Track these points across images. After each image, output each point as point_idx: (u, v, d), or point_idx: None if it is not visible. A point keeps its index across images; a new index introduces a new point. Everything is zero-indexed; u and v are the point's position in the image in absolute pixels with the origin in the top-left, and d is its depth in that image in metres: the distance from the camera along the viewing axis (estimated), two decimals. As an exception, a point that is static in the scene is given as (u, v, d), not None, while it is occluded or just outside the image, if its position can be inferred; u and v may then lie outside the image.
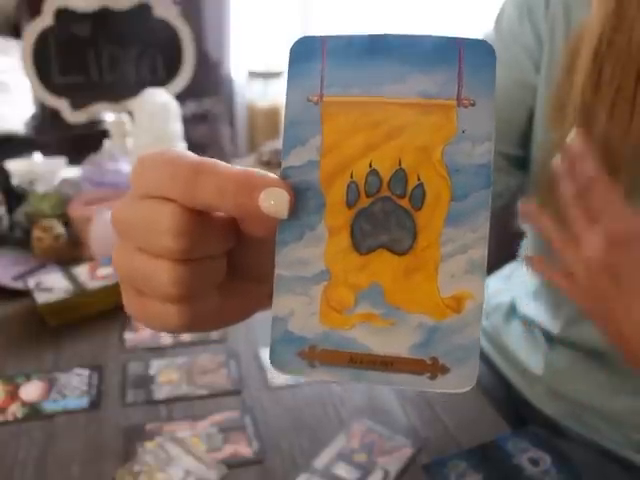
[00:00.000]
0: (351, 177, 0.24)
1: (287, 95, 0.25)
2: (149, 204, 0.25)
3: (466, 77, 0.24)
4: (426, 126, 0.24)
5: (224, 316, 0.30)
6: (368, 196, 0.24)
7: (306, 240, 0.25)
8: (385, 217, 0.24)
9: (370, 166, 0.24)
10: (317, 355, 0.25)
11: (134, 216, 0.25)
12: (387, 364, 0.24)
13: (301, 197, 0.24)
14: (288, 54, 0.25)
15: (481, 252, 0.24)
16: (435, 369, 0.24)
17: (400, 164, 0.24)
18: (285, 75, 0.25)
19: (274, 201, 0.23)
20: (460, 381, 0.24)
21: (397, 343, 0.24)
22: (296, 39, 0.25)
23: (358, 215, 0.24)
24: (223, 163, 0.24)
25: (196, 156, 0.25)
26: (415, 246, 0.24)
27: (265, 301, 0.32)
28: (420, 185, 0.24)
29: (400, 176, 0.24)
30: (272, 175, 0.24)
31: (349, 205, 0.24)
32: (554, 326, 0.66)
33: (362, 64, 0.24)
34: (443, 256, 0.24)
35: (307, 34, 0.25)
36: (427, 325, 0.24)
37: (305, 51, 0.25)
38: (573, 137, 0.45)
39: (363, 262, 0.24)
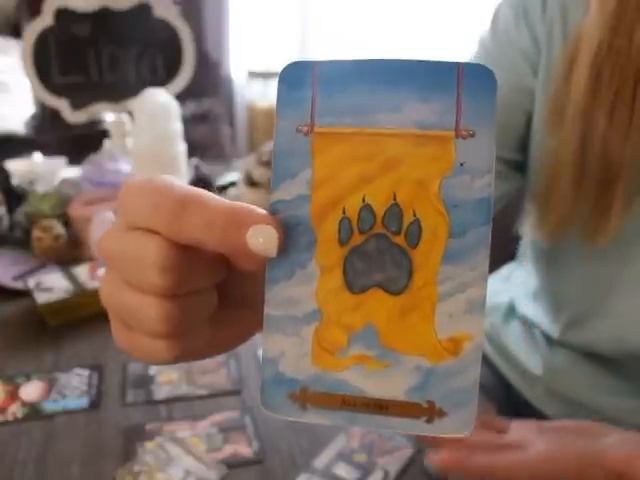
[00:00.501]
0: (343, 212, 0.23)
1: (276, 124, 0.24)
2: (134, 236, 0.24)
3: (465, 105, 0.22)
4: (422, 158, 0.23)
5: (217, 345, 0.29)
6: (361, 233, 0.23)
7: (297, 278, 0.24)
8: (379, 255, 0.23)
9: (363, 201, 0.23)
10: (309, 397, 0.24)
11: (120, 248, 0.24)
12: (382, 407, 0.23)
13: (291, 233, 0.23)
14: (277, 80, 0.24)
15: (481, 291, 0.23)
16: (432, 413, 0.23)
17: (395, 199, 0.23)
18: (275, 102, 0.24)
19: (262, 239, 0.22)
20: (458, 425, 0.23)
21: (392, 386, 0.23)
22: (285, 64, 0.24)
23: (351, 253, 0.23)
24: (211, 195, 0.23)
25: (183, 186, 0.23)
26: (411, 285, 0.23)
27: (260, 327, 0.31)
28: (416, 221, 0.23)
29: (395, 211, 0.23)
30: (261, 211, 0.23)
31: (341, 242, 0.23)
32: (554, 328, 0.66)
33: (355, 91, 0.23)
34: (441, 295, 0.23)
35: (299, 58, 0.24)
36: (423, 368, 0.23)
37: (295, 77, 0.23)
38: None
39: (356, 302, 0.23)
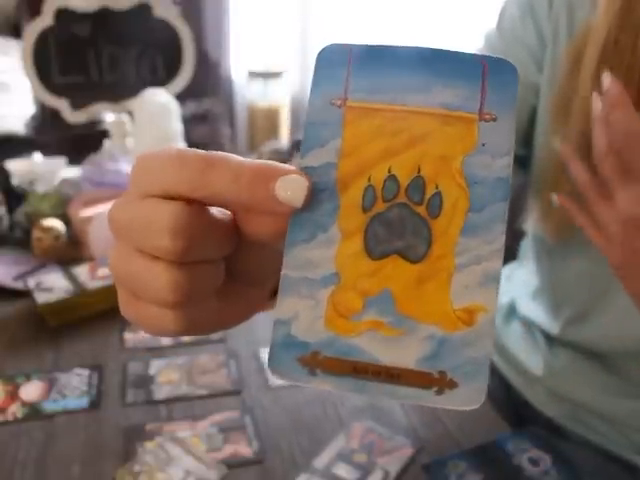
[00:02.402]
0: (369, 181, 0.24)
1: (310, 98, 0.25)
2: (149, 203, 0.24)
3: (489, 94, 0.24)
4: (447, 136, 0.24)
5: (222, 319, 0.29)
6: (385, 201, 0.24)
7: (317, 241, 0.24)
8: (401, 223, 0.24)
9: (389, 171, 0.24)
10: (319, 362, 0.23)
11: (132, 215, 0.24)
12: (393, 376, 0.23)
13: (316, 198, 0.24)
14: (315, 60, 0.25)
15: (496, 265, 0.23)
16: (443, 383, 0.23)
17: (419, 171, 0.24)
18: (310, 81, 0.25)
19: (291, 191, 0.23)
20: (468, 397, 0.23)
21: (405, 354, 0.23)
22: (323, 46, 0.25)
23: (373, 219, 0.24)
24: (235, 155, 0.24)
25: (204, 151, 0.24)
26: (429, 254, 0.23)
27: (264, 305, 0.31)
28: (438, 194, 0.24)
29: (418, 183, 0.24)
30: (289, 165, 0.24)
31: (365, 209, 0.24)
32: (554, 326, 0.66)
33: (387, 73, 0.24)
34: (457, 266, 0.23)
35: (334, 42, 0.25)
36: (437, 337, 0.23)
37: (331, 58, 0.25)
38: (609, 82, 0.43)
39: (375, 268, 0.24)
